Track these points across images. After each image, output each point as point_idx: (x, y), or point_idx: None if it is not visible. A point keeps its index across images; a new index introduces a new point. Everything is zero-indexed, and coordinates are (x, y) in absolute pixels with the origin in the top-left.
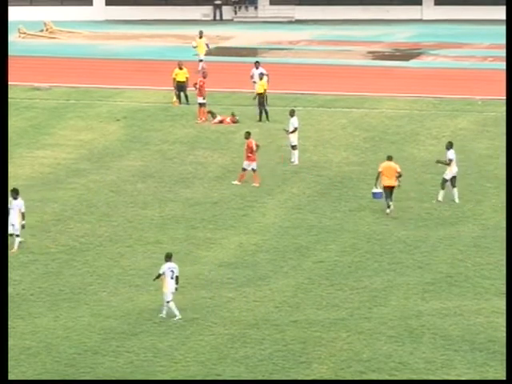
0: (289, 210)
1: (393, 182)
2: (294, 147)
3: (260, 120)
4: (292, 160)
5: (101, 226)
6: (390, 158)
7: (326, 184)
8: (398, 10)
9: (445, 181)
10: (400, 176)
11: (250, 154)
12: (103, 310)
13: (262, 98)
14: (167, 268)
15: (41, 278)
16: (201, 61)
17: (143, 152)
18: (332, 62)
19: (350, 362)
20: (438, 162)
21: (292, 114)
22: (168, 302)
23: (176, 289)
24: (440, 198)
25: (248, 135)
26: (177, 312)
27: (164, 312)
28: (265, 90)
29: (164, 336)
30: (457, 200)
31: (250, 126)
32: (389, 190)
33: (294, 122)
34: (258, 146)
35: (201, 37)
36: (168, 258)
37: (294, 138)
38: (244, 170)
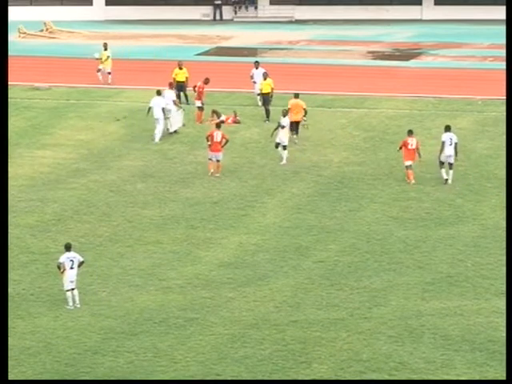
0: (289, 209)
1: (299, 117)
2: (284, 147)
3: (268, 119)
4: (282, 161)
5: (101, 225)
6: (296, 96)
7: (325, 184)
8: (397, 10)
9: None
10: (306, 112)
11: (209, 143)
12: (103, 309)
13: (266, 98)
14: (66, 258)
15: (41, 278)
16: (109, 73)
17: (143, 152)
18: (332, 62)
19: (350, 362)
20: None
21: (285, 114)
22: (67, 290)
23: (81, 264)
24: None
25: (217, 126)
26: (71, 301)
27: (70, 303)
28: (272, 89)
29: (164, 336)
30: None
31: (250, 126)
32: (295, 124)
33: (285, 121)
34: (227, 140)
35: (106, 49)
36: (67, 248)
37: (284, 138)
38: (210, 159)
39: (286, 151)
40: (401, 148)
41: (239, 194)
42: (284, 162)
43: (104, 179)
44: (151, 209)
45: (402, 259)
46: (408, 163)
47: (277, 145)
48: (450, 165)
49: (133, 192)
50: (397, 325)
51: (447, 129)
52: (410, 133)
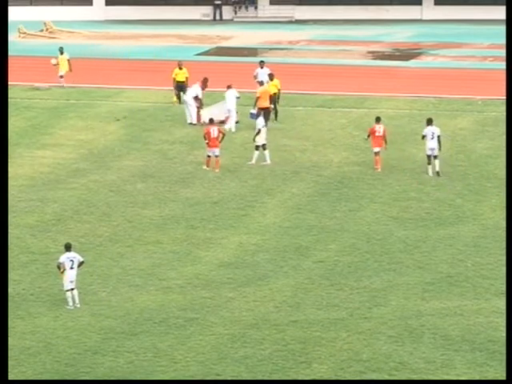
0: (289, 209)
1: (267, 104)
2: (257, 147)
3: (276, 119)
4: (251, 162)
5: (101, 225)
6: (261, 83)
7: (325, 184)
8: (397, 10)
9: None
10: (272, 99)
11: (207, 141)
12: (103, 309)
13: (273, 98)
14: (66, 258)
15: (41, 278)
16: (61, 77)
17: (143, 152)
18: (332, 62)
19: (350, 362)
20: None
21: (258, 114)
22: (67, 290)
23: (81, 264)
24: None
25: (210, 121)
26: (71, 301)
27: (70, 303)
28: (279, 89)
29: (164, 336)
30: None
31: (249, 126)
32: (264, 110)
33: (259, 122)
34: (223, 134)
35: (62, 53)
36: (67, 248)
37: (260, 138)
38: (208, 156)
39: (257, 151)
40: (369, 136)
41: (239, 194)
42: (253, 161)
43: (104, 179)
44: (151, 209)
45: (402, 259)
46: (376, 150)
47: (257, 147)
48: (435, 156)
49: (133, 192)
50: (397, 325)
51: (429, 122)
52: (378, 120)
